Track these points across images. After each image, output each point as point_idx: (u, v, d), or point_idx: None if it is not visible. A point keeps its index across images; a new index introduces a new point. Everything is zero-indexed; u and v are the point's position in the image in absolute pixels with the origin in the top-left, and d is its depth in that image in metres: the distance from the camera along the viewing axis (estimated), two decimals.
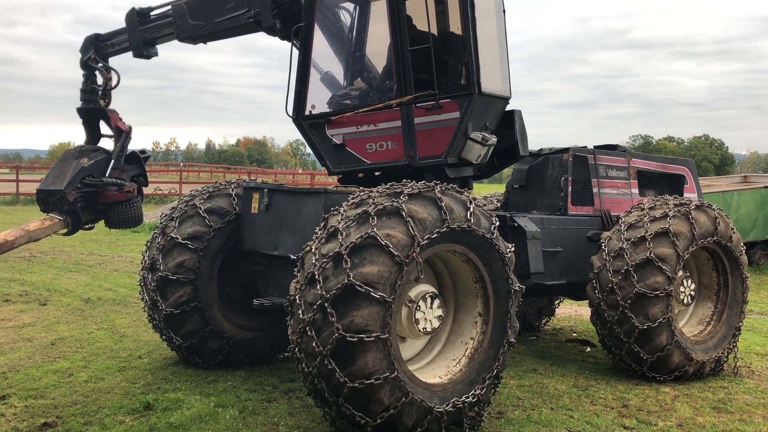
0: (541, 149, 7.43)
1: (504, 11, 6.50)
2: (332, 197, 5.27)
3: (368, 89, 6.15)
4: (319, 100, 6.14)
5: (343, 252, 4.26)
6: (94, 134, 6.91)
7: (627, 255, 6.17)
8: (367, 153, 5.88)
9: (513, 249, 5.09)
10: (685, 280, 6.52)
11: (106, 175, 6.50)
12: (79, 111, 6.87)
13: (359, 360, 4.17)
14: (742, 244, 6.83)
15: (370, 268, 4.22)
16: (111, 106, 6.86)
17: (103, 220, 6.69)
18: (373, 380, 4.20)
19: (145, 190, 7.13)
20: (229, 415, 5.09)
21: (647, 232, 6.22)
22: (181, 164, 57.67)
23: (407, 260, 4.33)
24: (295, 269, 4.57)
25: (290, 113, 6.12)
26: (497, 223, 4.95)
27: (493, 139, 5.90)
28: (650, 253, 6.11)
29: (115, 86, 6.89)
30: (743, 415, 5.52)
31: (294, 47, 6.18)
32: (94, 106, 6.82)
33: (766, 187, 14.72)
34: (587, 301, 6.62)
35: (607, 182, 7.18)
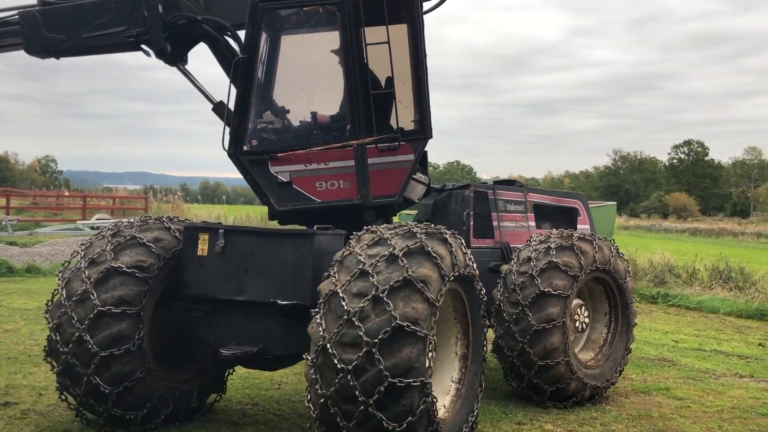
0: (444, 185, 7.61)
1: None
2: (320, 239, 5.14)
3: (322, 127, 5.89)
4: (261, 136, 5.89)
5: (397, 253, 4.48)
6: None
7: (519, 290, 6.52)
8: (317, 191, 5.79)
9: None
10: (579, 308, 6.89)
11: None
12: None
13: (404, 350, 4.23)
14: (635, 312, 7.34)
15: (423, 270, 4.48)
16: None
17: None
18: (411, 378, 4.25)
19: None
20: None
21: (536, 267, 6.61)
22: None
23: (450, 277, 4.69)
24: (332, 269, 4.56)
25: (226, 148, 5.67)
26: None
27: (427, 179, 6.13)
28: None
29: None
30: None
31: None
32: None
33: None
34: None
35: (507, 216, 7.49)
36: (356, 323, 4.24)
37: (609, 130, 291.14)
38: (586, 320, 6.97)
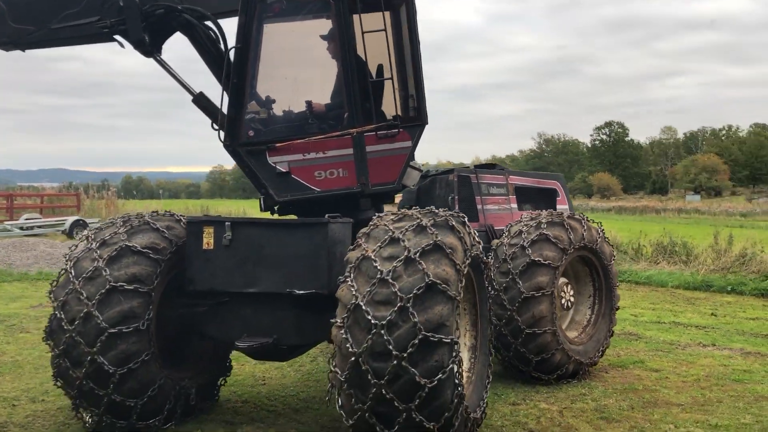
0: (427, 171, 7.64)
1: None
2: (333, 228, 5.11)
3: (319, 115, 5.82)
4: (257, 126, 5.77)
5: (425, 224, 4.68)
6: None
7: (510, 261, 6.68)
8: (316, 180, 5.74)
9: None
10: (565, 286, 7.05)
11: None
12: None
13: (436, 308, 4.34)
14: (618, 296, 7.50)
15: (450, 239, 4.66)
16: None
17: None
18: (442, 335, 4.32)
19: None
20: None
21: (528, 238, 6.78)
22: None
23: (471, 252, 4.88)
24: (359, 240, 4.71)
25: (223, 139, 5.57)
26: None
27: (421, 165, 6.15)
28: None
29: None
30: (631, 422, 5.79)
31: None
32: None
33: None
34: None
35: (490, 199, 7.65)
36: (390, 281, 4.35)
37: (532, 114, 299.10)
38: (572, 299, 7.12)
